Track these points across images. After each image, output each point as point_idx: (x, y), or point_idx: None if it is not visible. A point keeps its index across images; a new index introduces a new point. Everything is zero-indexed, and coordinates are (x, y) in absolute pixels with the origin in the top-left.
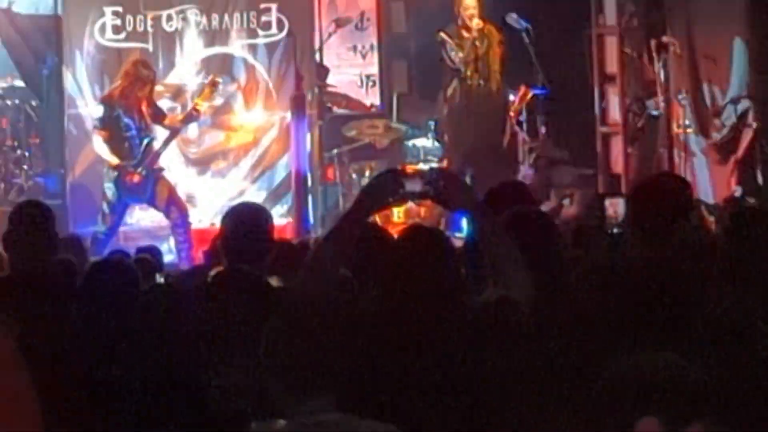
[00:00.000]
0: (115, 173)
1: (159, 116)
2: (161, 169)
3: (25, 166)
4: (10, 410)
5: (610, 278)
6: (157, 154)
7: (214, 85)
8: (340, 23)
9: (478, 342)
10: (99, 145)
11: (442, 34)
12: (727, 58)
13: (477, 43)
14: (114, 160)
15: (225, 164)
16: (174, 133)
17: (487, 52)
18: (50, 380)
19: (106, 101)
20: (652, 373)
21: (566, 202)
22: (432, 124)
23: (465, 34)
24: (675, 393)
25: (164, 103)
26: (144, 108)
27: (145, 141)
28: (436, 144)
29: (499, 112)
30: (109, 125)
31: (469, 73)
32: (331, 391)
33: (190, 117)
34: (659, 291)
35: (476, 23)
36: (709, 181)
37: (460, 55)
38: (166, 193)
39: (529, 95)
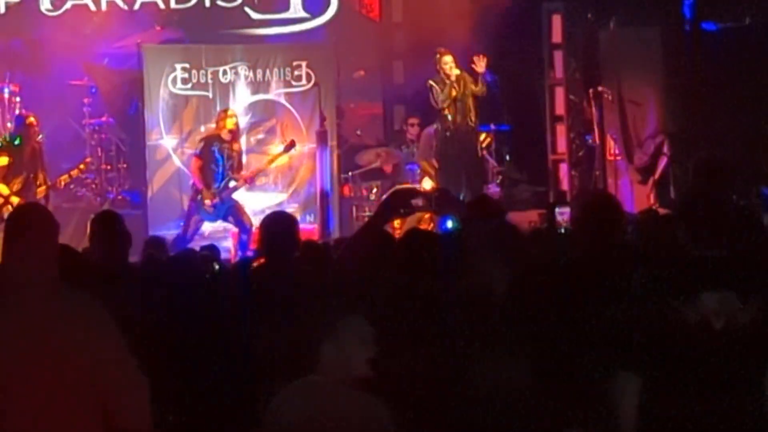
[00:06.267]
0: (198, 195)
1: (238, 167)
2: (235, 200)
3: (115, 184)
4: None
5: (560, 269)
6: (233, 190)
7: (289, 147)
8: (354, 77)
9: (462, 314)
10: (194, 169)
11: (430, 82)
12: (647, 103)
13: (455, 87)
14: (200, 183)
15: (266, 183)
16: (243, 183)
17: (463, 94)
18: (135, 341)
19: (207, 139)
20: None
21: None
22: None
23: (446, 81)
24: None
25: None
26: (235, 151)
27: (226, 180)
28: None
29: (474, 142)
30: (204, 157)
31: (449, 111)
32: None
33: (253, 178)
34: (596, 277)
35: (454, 72)
36: (632, 197)
37: (442, 97)
38: (240, 213)
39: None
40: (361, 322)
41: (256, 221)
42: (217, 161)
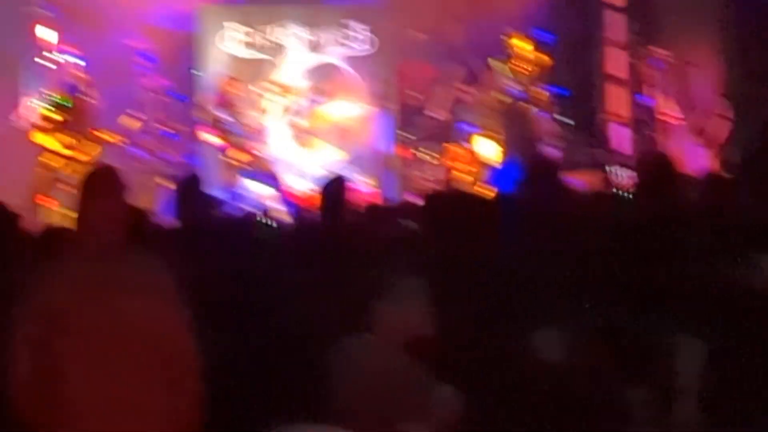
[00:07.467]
0: (228, 156)
1: (245, 124)
2: (259, 154)
3: (172, 146)
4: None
5: (620, 232)
6: (255, 145)
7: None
8: (414, 39)
9: (520, 277)
10: (209, 137)
11: (491, 62)
12: (707, 65)
13: (518, 69)
14: (224, 144)
15: (324, 144)
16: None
17: (527, 78)
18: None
19: (207, 106)
20: None
21: None
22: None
23: (509, 64)
24: None
25: (276, 99)
26: (237, 108)
27: (245, 130)
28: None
29: (530, 120)
30: (213, 122)
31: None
32: None
33: (266, 133)
34: (657, 240)
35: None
36: (692, 159)
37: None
38: (269, 170)
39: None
40: (417, 283)
41: (306, 181)
42: (228, 120)
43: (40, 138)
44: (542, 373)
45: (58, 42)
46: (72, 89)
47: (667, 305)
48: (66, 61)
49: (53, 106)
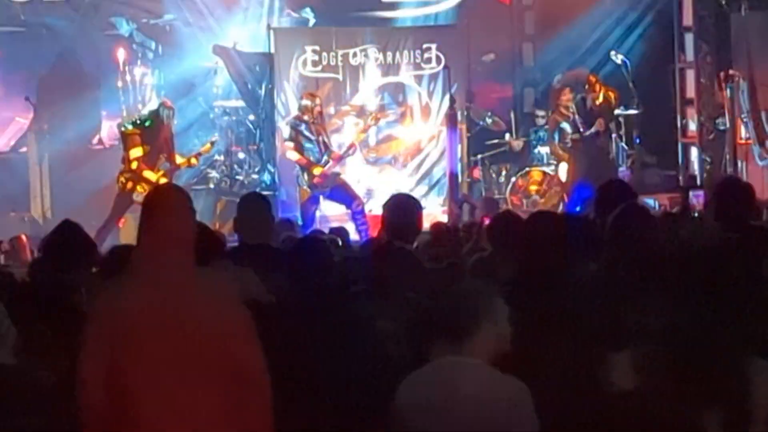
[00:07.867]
0: (306, 174)
1: (327, 144)
2: (338, 174)
3: (245, 166)
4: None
5: (693, 254)
6: (336, 162)
7: (376, 119)
8: (484, 60)
9: (593, 297)
10: (291, 153)
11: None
12: None
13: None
14: (303, 160)
15: (396, 166)
16: (339, 159)
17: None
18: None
19: (291, 122)
20: None
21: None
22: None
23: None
24: None
25: (350, 120)
26: (322, 128)
27: (328, 151)
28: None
29: (605, 139)
30: (294, 138)
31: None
32: None
33: (347, 153)
34: (729, 262)
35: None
36: (763, 181)
37: (591, 130)
38: (347, 189)
39: None
40: (500, 303)
41: (379, 203)
42: (310, 138)
43: (133, 152)
44: (617, 395)
45: (137, 64)
46: (150, 110)
47: (741, 326)
48: (144, 82)
49: (132, 125)
